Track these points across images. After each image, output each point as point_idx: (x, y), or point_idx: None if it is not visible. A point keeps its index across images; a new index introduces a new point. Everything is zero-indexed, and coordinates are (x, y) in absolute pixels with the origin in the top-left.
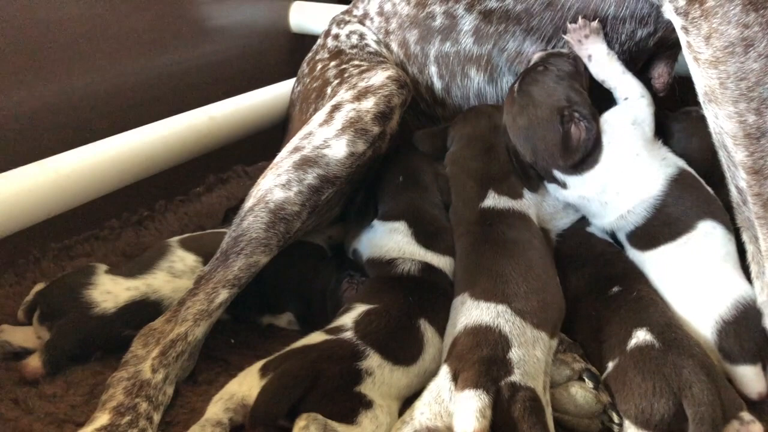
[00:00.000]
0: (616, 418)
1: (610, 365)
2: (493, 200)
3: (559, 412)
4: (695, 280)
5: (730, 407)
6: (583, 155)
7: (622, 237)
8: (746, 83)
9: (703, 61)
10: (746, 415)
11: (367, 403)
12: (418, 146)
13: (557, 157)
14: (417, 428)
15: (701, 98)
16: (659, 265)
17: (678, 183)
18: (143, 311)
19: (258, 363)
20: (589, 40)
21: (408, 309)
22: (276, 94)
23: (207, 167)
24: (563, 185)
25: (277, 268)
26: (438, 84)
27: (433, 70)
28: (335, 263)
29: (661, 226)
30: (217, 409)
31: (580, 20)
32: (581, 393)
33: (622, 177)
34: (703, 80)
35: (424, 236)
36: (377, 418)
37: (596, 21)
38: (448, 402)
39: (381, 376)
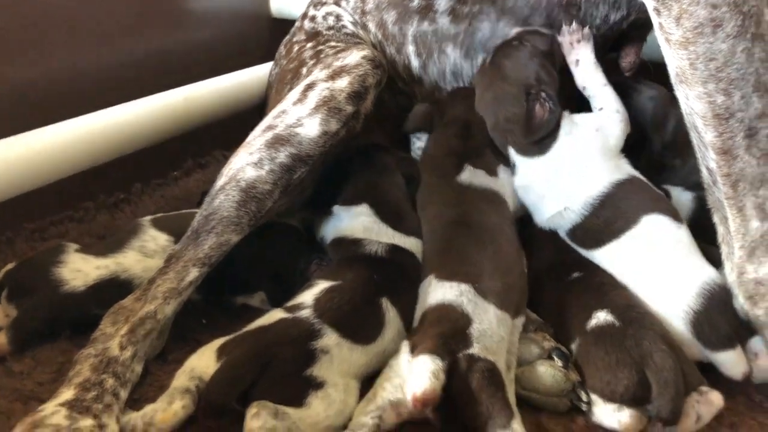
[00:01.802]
0: (584, 397)
1: (573, 346)
2: (469, 174)
3: (527, 391)
4: (653, 274)
5: (690, 381)
6: (543, 136)
7: (563, 235)
8: (715, 64)
9: (674, 42)
10: (704, 387)
11: (317, 385)
12: (411, 122)
13: (517, 132)
14: (380, 404)
15: (673, 79)
16: (611, 263)
17: (624, 186)
18: (113, 290)
19: (217, 341)
20: (580, 46)
21: (371, 287)
22: (254, 76)
23: (185, 151)
24: (513, 168)
25: (250, 248)
26: (415, 62)
27: (410, 49)
28: (308, 243)
29: (602, 225)
30: (182, 380)
31: (574, 24)
32: (550, 371)
33: (567, 172)
34: (674, 61)
35: (389, 216)
36: (329, 396)
37: (587, 28)
38: (407, 374)
39: (339, 355)
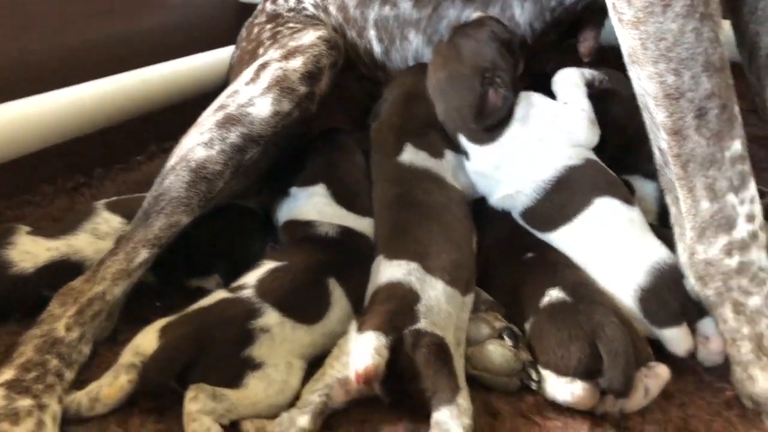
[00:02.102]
0: (534, 376)
1: (527, 325)
2: (410, 155)
3: (478, 370)
4: (605, 253)
5: (639, 356)
6: (494, 123)
7: (517, 216)
8: (665, 43)
9: (626, 22)
10: (653, 362)
11: (255, 365)
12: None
13: (468, 118)
14: (327, 382)
15: (626, 60)
16: (565, 244)
17: (577, 170)
18: (64, 272)
19: (161, 321)
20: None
21: (317, 266)
22: (215, 59)
23: (149, 136)
24: (466, 155)
25: (205, 230)
26: (377, 48)
27: (372, 33)
28: (265, 226)
29: (555, 208)
30: (127, 357)
31: None
32: (500, 351)
33: (520, 157)
34: (626, 41)
35: (344, 197)
36: (269, 376)
37: None
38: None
39: (281, 334)
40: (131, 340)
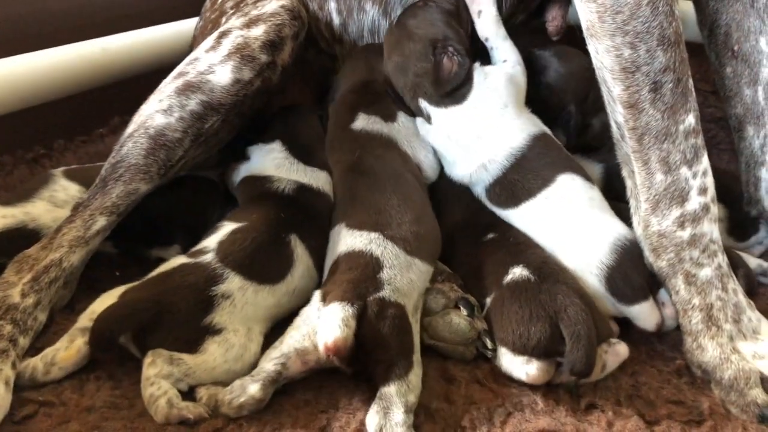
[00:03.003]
0: (489, 344)
1: (488, 300)
2: (362, 121)
3: (434, 340)
4: (567, 232)
5: (600, 333)
6: (453, 88)
7: (480, 192)
8: (621, 17)
9: None
10: (613, 339)
11: (215, 331)
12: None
13: (427, 86)
14: (285, 351)
15: (585, 33)
16: (526, 222)
17: (540, 141)
18: (20, 240)
19: (121, 288)
20: None
21: (278, 224)
22: (179, 30)
23: (112, 108)
24: (428, 119)
25: (165, 200)
26: (336, 20)
27: (332, 5)
28: (224, 197)
29: (520, 180)
30: (83, 322)
31: None
32: (456, 320)
33: (486, 122)
34: (584, 14)
35: (300, 152)
36: (227, 341)
37: None
38: (316, 321)
39: (243, 298)
40: (87, 308)
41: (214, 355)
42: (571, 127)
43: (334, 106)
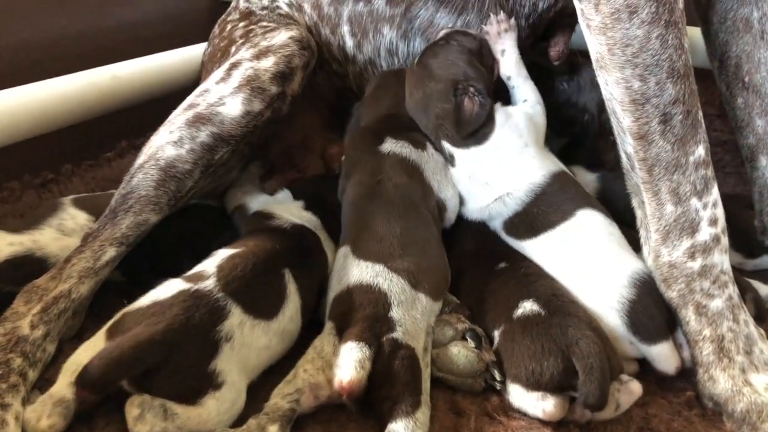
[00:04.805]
0: (498, 376)
1: (497, 333)
2: (390, 144)
3: (442, 372)
4: (586, 265)
5: (612, 369)
6: (475, 128)
7: (497, 225)
8: (631, 49)
9: (593, 28)
10: (625, 376)
11: (217, 384)
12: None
13: (449, 127)
14: (299, 386)
15: (594, 65)
16: (543, 254)
17: (559, 178)
18: (27, 268)
19: (105, 327)
20: (506, 36)
21: (274, 255)
22: (188, 56)
23: (119, 132)
24: (451, 159)
25: (173, 229)
26: (350, 42)
27: (345, 29)
28: (227, 224)
29: (540, 213)
30: (62, 383)
31: (502, 14)
32: (463, 352)
33: (507, 160)
34: (594, 47)
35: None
36: (223, 396)
37: (513, 19)
38: (330, 356)
39: (240, 337)
40: None
41: (209, 410)
42: (589, 129)
43: (359, 132)
